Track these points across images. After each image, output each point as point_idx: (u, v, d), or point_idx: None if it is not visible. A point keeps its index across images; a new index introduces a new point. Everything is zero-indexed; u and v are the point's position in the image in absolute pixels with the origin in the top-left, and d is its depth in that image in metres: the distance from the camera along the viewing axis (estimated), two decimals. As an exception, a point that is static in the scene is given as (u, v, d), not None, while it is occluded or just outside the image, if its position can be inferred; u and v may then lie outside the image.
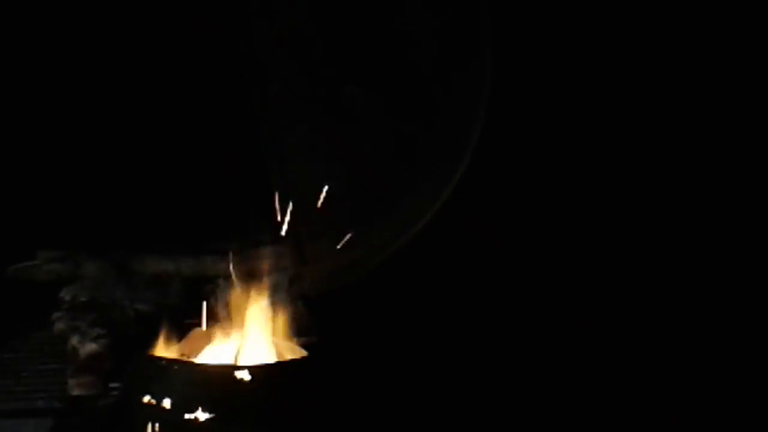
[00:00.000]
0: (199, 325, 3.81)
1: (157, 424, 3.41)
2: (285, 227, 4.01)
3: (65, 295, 4.01)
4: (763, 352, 4.04)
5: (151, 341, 3.65)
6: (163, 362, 3.52)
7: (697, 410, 3.91)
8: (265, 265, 4.01)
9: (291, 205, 3.99)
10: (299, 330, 3.74)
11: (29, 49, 4.27)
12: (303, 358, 3.62)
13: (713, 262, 4.15)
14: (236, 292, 3.81)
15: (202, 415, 3.39)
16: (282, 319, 3.74)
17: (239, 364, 3.58)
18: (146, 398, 3.44)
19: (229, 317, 3.78)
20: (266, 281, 3.85)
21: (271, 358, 3.66)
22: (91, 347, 3.83)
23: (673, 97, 4.16)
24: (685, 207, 4.16)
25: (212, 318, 3.81)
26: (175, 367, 3.50)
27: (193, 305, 3.96)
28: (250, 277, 3.88)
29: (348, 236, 3.96)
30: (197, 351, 3.74)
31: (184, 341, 3.74)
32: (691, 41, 4.13)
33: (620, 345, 4.05)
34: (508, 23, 4.00)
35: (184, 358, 3.65)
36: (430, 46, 4.00)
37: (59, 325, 3.91)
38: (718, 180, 4.17)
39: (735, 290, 4.12)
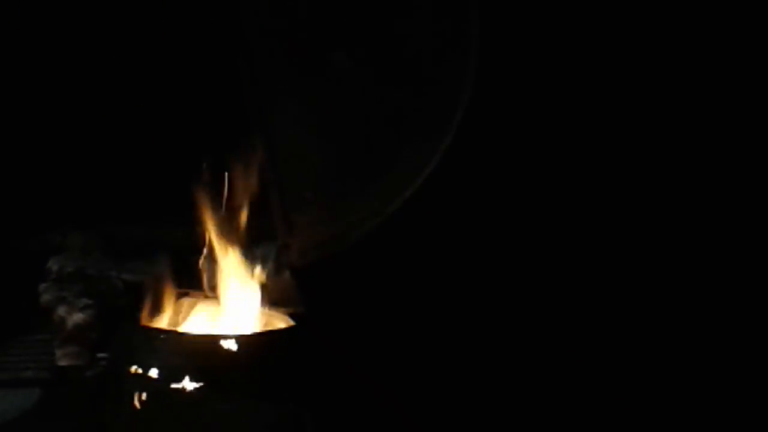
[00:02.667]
0: (187, 294, 3.82)
1: (144, 394, 3.42)
2: (272, 197, 4.00)
3: (52, 265, 4.00)
4: (763, 352, 4.04)
5: (138, 311, 3.66)
6: (150, 332, 3.53)
7: (697, 410, 3.93)
8: (253, 235, 4.00)
9: (278, 175, 3.98)
10: (286, 300, 3.74)
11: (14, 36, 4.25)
12: (290, 328, 3.63)
13: (709, 256, 4.14)
14: (223, 262, 3.81)
15: (189, 385, 3.40)
16: (269, 289, 3.74)
17: (226, 333, 3.58)
18: (133, 368, 3.45)
19: (215, 287, 3.79)
20: (253, 252, 3.85)
21: (258, 328, 3.66)
22: (78, 317, 3.82)
23: (666, 88, 4.15)
24: (676, 197, 4.15)
25: (199, 287, 3.82)
26: (162, 336, 3.51)
27: (181, 275, 3.96)
28: (237, 247, 3.87)
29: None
30: (185, 320, 3.75)
31: (171, 311, 3.74)
32: (682, 34, 4.12)
33: (610, 334, 4.06)
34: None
35: (171, 328, 3.66)
36: (419, 14, 3.98)
37: (46, 296, 3.90)
38: (711, 172, 4.16)
39: (735, 290, 4.11)
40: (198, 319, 3.75)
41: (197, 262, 3.91)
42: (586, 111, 4.13)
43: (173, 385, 3.40)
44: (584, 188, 4.14)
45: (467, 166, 4.05)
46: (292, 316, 3.70)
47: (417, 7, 3.96)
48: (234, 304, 3.75)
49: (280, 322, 3.69)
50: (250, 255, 3.84)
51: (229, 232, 3.87)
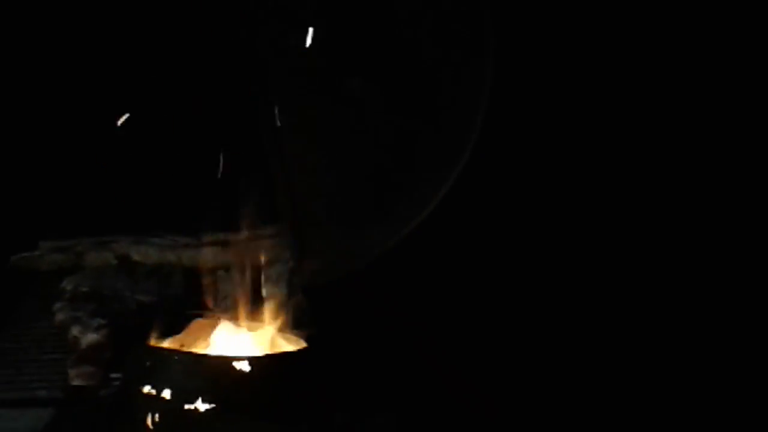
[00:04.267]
0: (200, 315, 3.83)
1: (157, 415, 3.42)
2: (286, 219, 4.02)
3: (67, 285, 4.03)
4: (763, 352, 4.04)
5: (152, 332, 3.67)
6: (164, 352, 3.54)
7: (697, 410, 3.92)
8: (266, 256, 4.03)
9: (291, 197, 4.00)
10: (299, 321, 3.75)
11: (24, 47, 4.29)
12: (302, 350, 3.63)
13: (711, 259, 4.15)
14: (236, 284, 3.82)
15: (201, 406, 3.41)
16: (282, 311, 3.75)
17: (239, 354, 3.59)
18: (146, 389, 3.46)
19: (229, 308, 3.80)
20: (266, 273, 3.86)
21: (270, 350, 3.67)
22: (91, 337, 3.84)
23: (673, 97, 4.16)
24: (682, 204, 4.16)
25: (213, 309, 3.83)
26: (175, 357, 3.52)
27: (194, 296, 3.98)
28: (251, 269, 3.89)
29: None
30: (198, 342, 3.76)
31: (184, 332, 3.75)
32: (691, 37, 4.13)
33: (613, 342, 4.06)
34: (510, 21, 4.00)
35: (185, 349, 3.67)
36: (432, 43, 4.00)
37: (60, 316, 3.93)
38: (717, 177, 4.17)
39: (735, 290, 4.12)
40: (211, 340, 3.75)
41: (211, 284, 3.93)
42: (599, 137, 4.15)
43: (186, 406, 3.41)
44: (597, 210, 4.15)
45: (480, 190, 4.06)
46: (304, 337, 3.70)
47: (432, 35, 3.97)
48: (247, 326, 3.75)
49: (293, 343, 3.69)
50: (264, 277, 3.85)
51: (243, 254, 3.89)
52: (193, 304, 3.93)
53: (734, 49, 4.11)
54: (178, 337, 3.72)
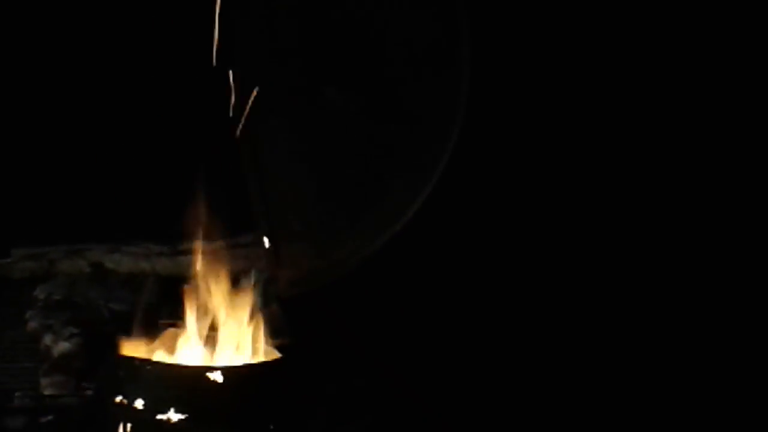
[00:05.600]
0: (174, 325, 3.80)
1: (129, 425, 3.40)
2: (261, 228, 4.00)
3: (39, 293, 4.00)
4: (763, 352, 4.05)
5: (125, 341, 3.64)
6: (136, 362, 3.51)
7: (697, 410, 3.93)
8: (241, 266, 4.00)
9: (266, 206, 3.98)
10: (273, 331, 3.73)
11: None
12: (276, 360, 3.62)
13: (705, 256, 4.16)
14: (211, 293, 3.80)
15: (174, 416, 3.38)
16: (256, 321, 3.73)
17: (212, 364, 3.57)
18: (119, 398, 3.43)
19: (203, 318, 3.77)
20: (242, 282, 3.84)
21: (244, 360, 3.65)
22: (64, 346, 3.82)
23: (653, 106, 4.17)
24: (671, 205, 4.17)
25: (187, 318, 3.80)
26: (148, 367, 3.49)
27: (168, 305, 3.95)
28: (226, 278, 3.87)
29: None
30: (171, 351, 3.73)
31: (158, 341, 3.72)
32: (671, 43, 4.14)
33: (600, 342, 4.06)
34: (486, 29, 4.00)
35: (158, 359, 3.64)
36: (409, 51, 3.99)
37: (33, 324, 3.90)
38: (710, 173, 4.18)
39: (734, 289, 4.12)
40: (184, 350, 3.73)
41: (185, 293, 3.90)
42: (577, 141, 4.15)
43: (158, 416, 3.38)
44: (576, 219, 4.15)
45: (457, 199, 4.06)
46: (278, 347, 3.68)
47: (408, 44, 3.97)
48: (221, 335, 3.73)
49: (267, 353, 3.67)
50: (239, 286, 3.83)
51: (218, 263, 3.87)
52: (167, 313, 3.90)
53: (728, 49, 4.13)
54: (151, 346, 3.69)
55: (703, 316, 4.11)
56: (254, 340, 3.72)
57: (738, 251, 4.16)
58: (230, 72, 3.90)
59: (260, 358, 3.66)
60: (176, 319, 3.83)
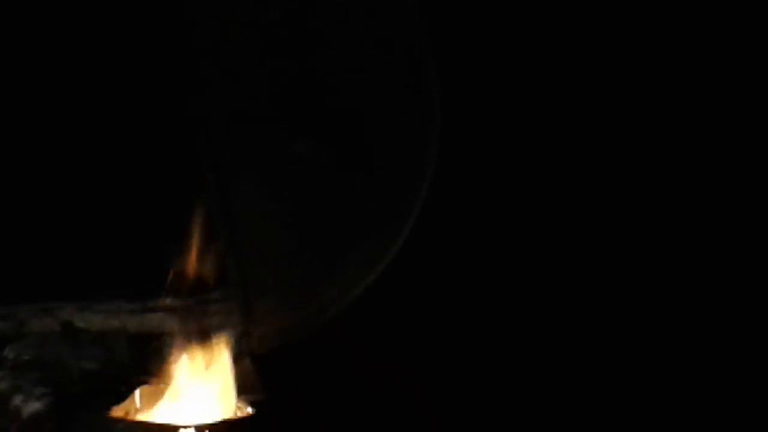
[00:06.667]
0: (146, 382, 3.78)
1: (101, 485, 3.37)
2: (233, 283, 3.99)
3: (8, 353, 3.96)
4: (763, 352, 4.06)
5: (96, 400, 3.62)
6: (108, 421, 3.49)
7: (697, 410, 3.93)
8: (213, 322, 3.99)
9: (238, 261, 3.96)
10: (246, 387, 3.71)
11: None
12: (249, 416, 3.60)
13: (708, 257, 4.17)
14: (183, 350, 3.78)
15: (147, 475, 3.36)
16: (229, 377, 3.71)
17: (185, 422, 3.55)
18: (90, 458, 3.40)
19: (175, 375, 3.75)
20: (214, 339, 3.82)
21: (217, 416, 3.63)
22: (34, 407, 3.77)
23: (635, 125, 4.20)
24: (667, 207, 4.18)
25: (158, 375, 3.78)
26: (120, 425, 3.47)
27: (139, 363, 3.93)
28: (198, 335, 3.85)
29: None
30: (143, 409, 3.71)
31: (129, 399, 3.70)
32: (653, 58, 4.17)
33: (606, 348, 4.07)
34: (455, 73, 4.02)
35: (130, 417, 3.61)
36: (377, 98, 4.01)
37: (2, 385, 3.85)
38: (709, 175, 4.20)
39: (735, 290, 4.14)
40: (157, 408, 3.70)
41: (156, 350, 3.88)
42: (551, 188, 4.17)
43: (131, 476, 3.36)
44: (557, 254, 4.17)
45: (430, 247, 4.06)
46: (251, 403, 3.67)
47: (378, 91, 3.98)
48: (193, 392, 3.71)
49: (240, 410, 3.65)
50: (210, 342, 3.81)
51: (189, 320, 3.85)
52: (138, 370, 3.87)
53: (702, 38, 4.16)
54: (123, 404, 3.67)
55: (704, 317, 4.12)
56: (227, 397, 3.70)
57: (738, 252, 4.18)
58: (199, 127, 3.90)
59: (233, 414, 3.64)
60: (148, 376, 3.81)
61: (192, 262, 4.00)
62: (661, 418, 3.97)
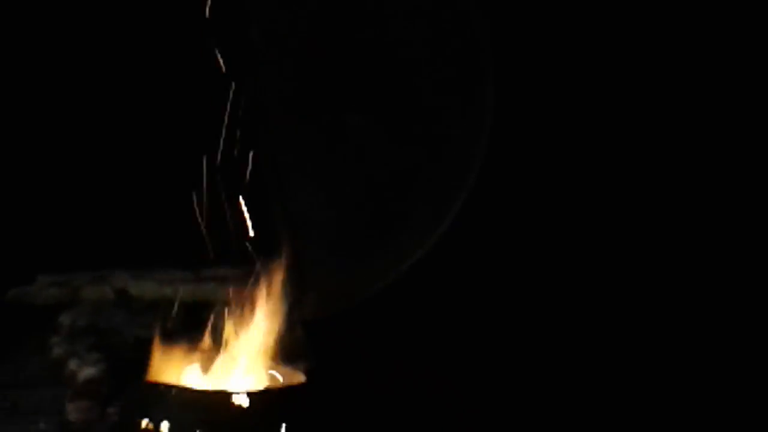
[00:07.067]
0: (199, 350, 3.81)
1: (154, 449, 3.40)
2: (285, 253, 4.01)
3: (64, 319, 4.02)
4: (763, 352, 4.05)
5: (150, 366, 3.65)
6: (161, 387, 3.52)
7: (697, 410, 3.92)
8: (265, 290, 4.01)
9: (291, 231, 3.99)
10: (298, 355, 3.73)
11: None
12: (301, 384, 3.61)
13: (716, 267, 4.16)
14: (236, 318, 3.80)
15: (200, 440, 3.39)
16: (281, 345, 3.73)
17: (237, 389, 3.57)
18: (144, 422, 3.43)
19: (228, 342, 3.78)
20: (266, 307, 3.85)
21: (269, 384, 3.65)
22: (89, 372, 3.82)
23: (670, 124, 4.19)
24: (691, 231, 4.18)
25: (212, 343, 3.81)
26: (173, 391, 3.49)
27: (192, 331, 3.96)
28: (250, 303, 3.88)
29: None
30: (197, 376, 3.74)
31: (182, 366, 3.73)
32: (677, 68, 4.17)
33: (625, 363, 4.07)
34: (510, 54, 4.02)
35: (182, 383, 3.65)
36: (433, 75, 4.01)
37: (57, 350, 3.91)
38: (717, 188, 4.19)
39: (735, 291, 4.13)
40: (209, 375, 3.73)
41: (209, 318, 3.91)
42: (598, 168, 4.16)
43: (184, 440, 3.39)
44: (597, 245, 4.16)
45: (481, 223, 4.06)
46: (303, 371, 3.68)
47: (431, 66, 3.98)
48: (246, 360, 3.73)
49: (292, 377, 3.67)
50: (263, 311, 3.83)
51: (242, 289, 3.88)
52: (191, 338, 3.90)
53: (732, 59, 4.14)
54: (175, 371, 3.70)
55: (704, 317, 4.11)
56: (279, 365, 3.72)
57: (738, 252, 4.17)
58: (254, 99, 3.92)
59: (285, 382, 3.66)
60: (201, 344, 3.84)
61: (245, 233, 4.02)
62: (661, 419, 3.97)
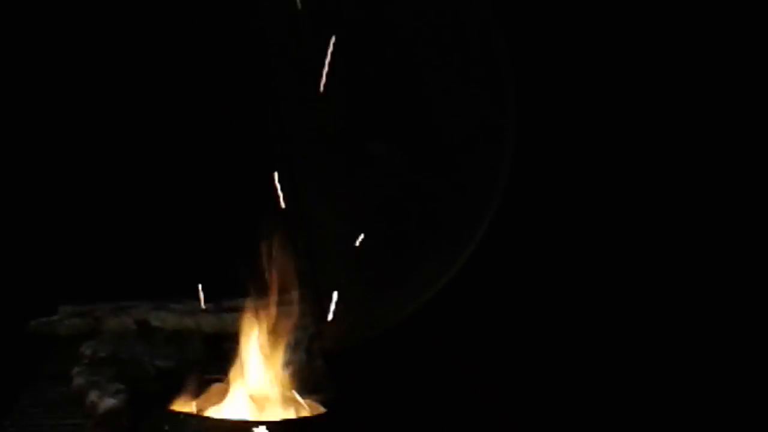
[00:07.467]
0: (220, 381, 3.80)
1: (174, 479, 3.39)
2: (306, 284, 4.00)
3: (85, 350, 4.01)
4: (763, 352, 4.02)
5: (170, 397, 3.64)
6: (181, 416, 3.51)
7: (697, 410, 3.89)
8: (286, 321, 4.00)
9: (312, 262, 3.98)
10: (318, 386, 3.72)
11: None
12: (321, 415, 3.60)
13: (720, 268, 4.14)
14: (257, 349, 3.80)
15: (219, 470, 3.37)
16: (302, 376, 3.72)
17: (257, 419, 3.56)
18: (163, 453, 3.43)
19: (248, 373, 3.77)
20: (287, 338, 3.84)
21: (289, 414, 3.64)
22: (109, 402, 3.80)
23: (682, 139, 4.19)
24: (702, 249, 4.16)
25: (233, 374, 3.80)
26: (194, 421, 3.49)
27: (213, 362, 3.95)
28: (271, 334, 3.87)
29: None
30: (216, 406, 3.73)
31: (203, 396, 3.72)
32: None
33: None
34: (532, 82, 4.02)
35: (203, 414, 3.64)
36: (454, 105, 4.01)
37: (78, 380, 3.90)
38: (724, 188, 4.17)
39: (736, 292, 4.10)
40: (230, 406, 3.72)
41: (229, 349, 3.90)
42: (620, 197, 4.15)
43: (204, 470, 3.37)
44: (622, 269, 4.15)
45: (502, 253, 4.05)
46: (323, 403, 3.67)
47: (453, 95, 3.99)
48: (265, 391, 3.72)
49: (312, 408, 3.66)
50: (284, 343, 3.83)
51: (262, 320, 3.87)
52: (212, 369, 3.90)
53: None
54: (196, 401, 3.69)
55: (704, 318, 4.09)
56: (300, 396, 3.71)
57: (739, 253, 4.15)
58: (276, 127, 3.93)
59: (305, 413, 3.65)
60: (222, 375, 3.84)
61: (266, 263, 4.02)
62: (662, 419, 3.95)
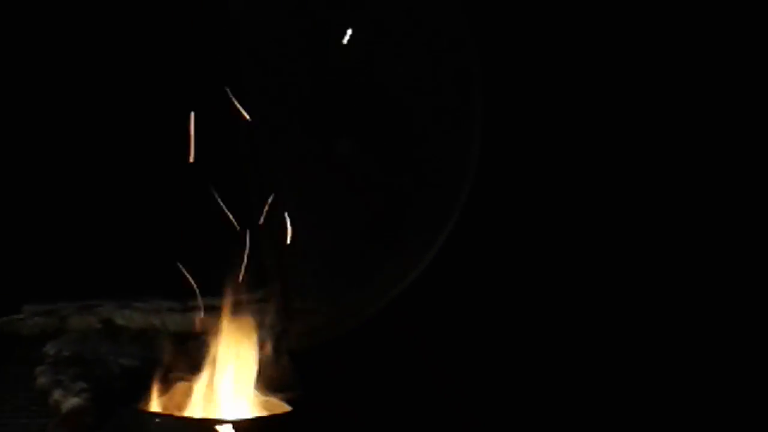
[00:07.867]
0: (184, 380, 3.79)
1: (138, 480, 3.38)
2: (272, 282, 4.00)
3: (49, 349, 4.00)
4: (763, 352, 4.04)
5: (135, 396, 3.63)
6: (145, 415, 3.50)
7: (697, 410, 3.91)
8: (252, 320, 3.99)
9: (279, 260, 3.97)
10: (284, 385, 3.71)
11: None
12: (287, 413, 3.59)
13: (717, 269, 4.16)
14: (221, 348, 3.78)
15: (184, 470, 3.36)
16: (267, 374, 3.71)
17: (222, 418, 3.55)
18: (128, 452, 3.41)
19: (213, 372, 3.76)
20: (252, 337, 3.83)
21: (255, 413, 3.63)
22: (73, 401, 3.79)
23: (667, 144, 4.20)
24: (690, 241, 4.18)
25: (197, 372, 3.79)
26: (157, 420, 3.48)
27: (178, 360, 3.94)
28: (236, 333, 3.86)
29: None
30: (181, 405, 3.71)
31: (168, 395, 3.71)
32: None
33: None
34: (499, 81, 4.03)
35: (168, 412, 3.62)
36: (421, 103, 4.01)
37: (42, 379, 3.88)
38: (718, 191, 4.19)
39: (736, 293, 4.12)
40: (195, 404, 3.71)
41: (194, 347, 3.88)
42: (588, 191, 4.16)
43: (168, 470, 3.36)
44: (595, 261, 4.16)
45: (469, 251, 4.05)
46: (289, 401, 3.66)
47: (421, 95, 3.99)
48: (231, 389, 3.71)
49: (277, 407, 3.65)
50: (250, 341, 3.82)
51: (229, 318, 3.86)
52: (177, 368, 3.88)
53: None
54: (161, 400, 3.67)
55: (704, 318, 4.11)
56: (266, 394, 3.70)
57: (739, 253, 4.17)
58: (242, 124, 3.92)
59: (271, 411, 3.64)
60: (187, 373, 3.82)
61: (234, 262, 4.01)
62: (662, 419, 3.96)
